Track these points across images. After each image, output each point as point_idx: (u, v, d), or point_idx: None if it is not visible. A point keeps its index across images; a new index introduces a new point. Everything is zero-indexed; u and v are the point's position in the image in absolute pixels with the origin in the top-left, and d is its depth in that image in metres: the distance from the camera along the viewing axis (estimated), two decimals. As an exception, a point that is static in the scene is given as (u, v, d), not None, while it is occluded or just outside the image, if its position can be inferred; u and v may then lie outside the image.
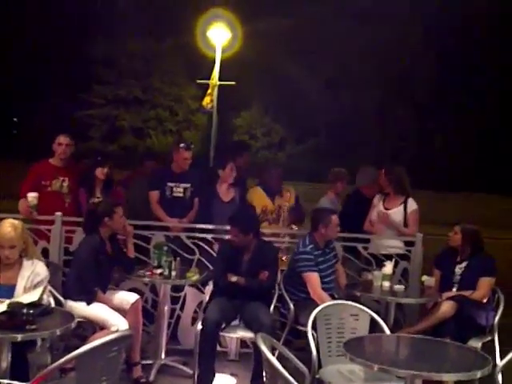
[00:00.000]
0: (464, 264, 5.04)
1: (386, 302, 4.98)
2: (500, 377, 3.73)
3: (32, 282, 3.88)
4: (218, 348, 4.93)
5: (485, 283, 4.89)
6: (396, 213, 5.65)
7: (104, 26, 29.23)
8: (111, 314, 4.43)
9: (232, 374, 4.95)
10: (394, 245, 5.67)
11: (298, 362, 3.33)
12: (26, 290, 3.81)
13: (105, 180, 5.50)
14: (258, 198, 6.03)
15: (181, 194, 5.85)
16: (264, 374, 3.20)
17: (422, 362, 3.19)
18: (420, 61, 30.92)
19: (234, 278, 4.64)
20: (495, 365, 3.65)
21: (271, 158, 31.85)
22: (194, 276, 4.91)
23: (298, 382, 2.89)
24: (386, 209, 5.69)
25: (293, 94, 30.70)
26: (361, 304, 4.32)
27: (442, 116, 31.37)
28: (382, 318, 4.15)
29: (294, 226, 6.02)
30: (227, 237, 5.06)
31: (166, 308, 5.02)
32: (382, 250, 5.57)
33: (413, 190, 5.91)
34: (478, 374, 2.99)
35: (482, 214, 18.39)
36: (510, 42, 28.70)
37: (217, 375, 4.59)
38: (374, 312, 4.18)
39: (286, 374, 2.81)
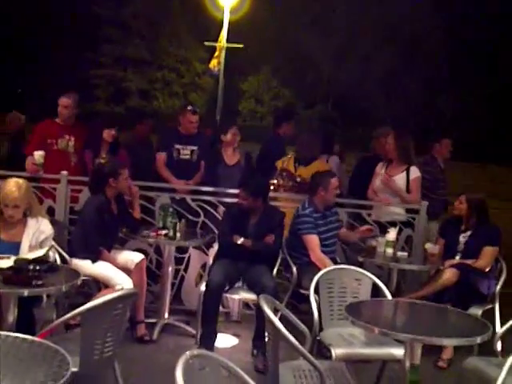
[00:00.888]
0: (468, 233, 5.04)
1: (389, 268, 5.01)
2: (499, 344, 3.78)
3: (37, 239, 3.92)
4: (221, 309, 5.00)
5: (488, 252, 4.90)
6: (398, 179, 5.63)
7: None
8: (116, 272, 4.48)
9: (234, 335, 5.03)
10: (397, 212, 5.67)
11: (300, 323, 3.38)
12: (32, 248, 3.85)
13: (111, 142, 5.50)
14: (281, 162, 6.06)
15: (188, 157, 5.86)
16: (266, 334, 3.24)
17: (423, 326, 3.23)
18: (431, 29, 30.41)
19: (240, 240, 4.66)
20: (495, 332, 3.70)
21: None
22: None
23: (299, 343, 2.94)
24: (389, 176, 5.67)
25: (301, 58, 30.38)
26: (364, 270, 4.35)
27: (452, 85, 31.02)
28: (385, 284, 4.18)
29: None
30: (234, 200, 5.08)
31: (170, 268, 5.06)
32: (385, 218, 5.56)
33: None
34: (478, 340, 3.01)
35: (492, 184, 18.41)
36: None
37: (219, 335, 4.66)
38: (377, 278, 4.20)
39: (288, 334, 2.85)
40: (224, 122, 7.18)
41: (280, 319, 3.03)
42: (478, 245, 4.93)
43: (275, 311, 3.19)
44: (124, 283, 4.37)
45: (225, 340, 4.89)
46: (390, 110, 29.34)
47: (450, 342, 3.27)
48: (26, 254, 3.74)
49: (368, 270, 4.32)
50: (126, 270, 4.58)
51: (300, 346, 2.86)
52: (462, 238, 5.05)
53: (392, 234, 5.03)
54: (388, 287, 4.27)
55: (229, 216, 4.89)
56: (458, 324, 3.39)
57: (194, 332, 4.80)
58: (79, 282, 3.61)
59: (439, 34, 30.23)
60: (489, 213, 5.12)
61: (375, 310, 3.64)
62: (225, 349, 4.75)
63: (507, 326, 3.66)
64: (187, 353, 2.21)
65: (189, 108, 5.88)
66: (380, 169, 5.74)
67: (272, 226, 4.78)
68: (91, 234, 4.56)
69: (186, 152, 5.87)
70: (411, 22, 29.86)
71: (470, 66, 29.60)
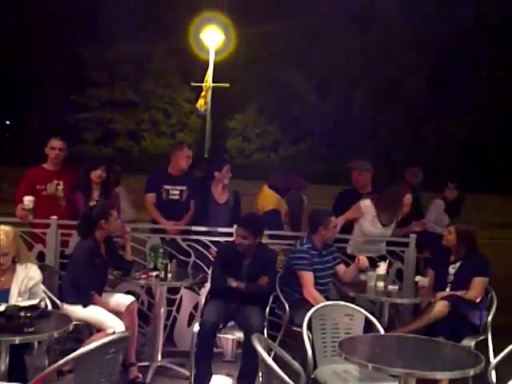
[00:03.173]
0: (458, 264, 5.04)
1: (381, 302, 5.01)
2: (494, 375, 3.78)
3: (26, 286, 3.91)
4: (214, 349, 4.97)
5: (478, 283, 4.91)
6: (392, 226, 5.72)
7: (97, 28, 29.23)
8: (108, 316, 4.46)
9: (228, 375, 4.97)
10: (382, 246, 5.72)
11: (294, 362, 3.37)
12: (21, 294, 3.85)
13: (102, 182, 5.52)
14: (277, 201, 6.11)
15: (177, 197, 5.90)
16: (260, 374, 3.23)
17: (416, 360, 3.23)
18: (411, 63, 31.05)
19: (234, 284, 4.64)
20: (489, 363, 3.72)
21: (265, 159, 31.93)
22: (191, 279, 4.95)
23: (293, 382, 2.93)
24: (383, 225, 5.66)
25: (286, 95, 30.78)
26: (355, 304, 4.35)
27: (432, 117, 31.57)
28: (377, 318, 4.18)
29: None
30: (225, 239, 5.09)
31: (161, 310, 5.04)
32: (363, 253, 5.45)
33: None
34: (471, 372, 3.03)
35: (477, 214, 18.57)
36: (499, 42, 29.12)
37: (213, 376, 4.61)
38: (369, 312, 4.21)
39: (282, 374, 2.84)
40: (215, 161, 7.28)
41: (274, 358, 3.02)
42: (468, 276, 4.94)
43: (269, 350, 3.18)
44: (116, 327, 4.35)
45: (219, 381, 4.83)
46: (376, 143, 29.73)
47: (443, 376, 3.27)
48: (16, 300, 3.73)
49: (360, 305, 4.33)
50: (117, 312, 4.56)
51: (294, 385, 2.85)
52: (452, 270, 5.06)
53: (382, 268, 5.04)
54: (380, 321, 4.28)
55: (221, 257, 4.89)
56: (450, 357, 3.40)
57: (187, 374, 4.75)
58: (71, 328, 3.59)
59: (417, 69, 30.88)
60: (477, 243, 5.15)
61: (368, 345, 3.65)
62: (219, 389, 4.71)
63: (500, 356, 3.67)
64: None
65: (184, 144, 6.04)
66: (369, 208, 5.61)
67: (265, 266, 4.78)
68: (81, 278, 4.55)
69: (175, 192, 5.90)
70: (390, 57, 30.46)
71: (447, 98, 30.21)
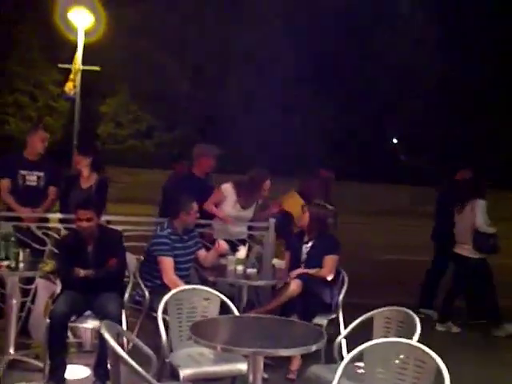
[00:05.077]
0: (310, 243, 5.26)
1: (239, 285, 5.13)
2: (344, 349, 4.02)
3: None
4: (73, 339, 4.85)
5: (328, 261, 5.13)
6: (251, 209, 5.86)
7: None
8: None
9: (86, 365, 4.85)
10: (244, 231, 5.87)
11: (145, 347, 3.37)
12: None
13: None
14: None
15: (34, 183, 5.69)
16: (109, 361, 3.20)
17: (265, 339, 3.33)
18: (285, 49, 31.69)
19: (82, 273, 4.51)
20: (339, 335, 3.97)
21: (139, 146, 31.36)
22: (46, 267, 4.77)
23: (146, 367, 2.93)
24: (243, 207, 5.83)
25: (160, 81, 30.33)
26: (215, 289, 4.42)
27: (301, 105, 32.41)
28: (237, 301, 4.27)
29: None
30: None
31: (14, 301, 4.82)
32: (225, 237, 5.60)
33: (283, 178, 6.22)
34: (313, 348, 3.18)
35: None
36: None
37: (71, 366, 4.52)
38: (229, 295, 4.28)
39: (128, 359, 2.84)
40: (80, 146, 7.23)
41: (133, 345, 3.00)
42: (319, 254, 5.15)
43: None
44: (-40, 320, 4.11)
45: (77, 371, 4.72)
46: (250, 126, 30.05)
47: (287, 353, 3.41)
48: None
49: (220, 289, 4.40)
50: (-37, 306, 4.31)
51: (140, 370, 2.85)
52: (305, 249, 5.26)
53: (242, 252, 5.16)
54: (240, 304, 4.38)
55: (64, 248, 4.75)
56: (296, 334, 3.54)
57: (41, 366, 4.60)
58: None
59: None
60: (328, 224, 5.40)
61: (220, 327, 3.72)
62: (76, 380, 4.59)
63: (344, 333, 3.92)
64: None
65: (40, 126, 5.78)
66: (232, 194, 5.79)
67: (112, 248, 4.70)
68: None
69: (32, 178, 5.69)
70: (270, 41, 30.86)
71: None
